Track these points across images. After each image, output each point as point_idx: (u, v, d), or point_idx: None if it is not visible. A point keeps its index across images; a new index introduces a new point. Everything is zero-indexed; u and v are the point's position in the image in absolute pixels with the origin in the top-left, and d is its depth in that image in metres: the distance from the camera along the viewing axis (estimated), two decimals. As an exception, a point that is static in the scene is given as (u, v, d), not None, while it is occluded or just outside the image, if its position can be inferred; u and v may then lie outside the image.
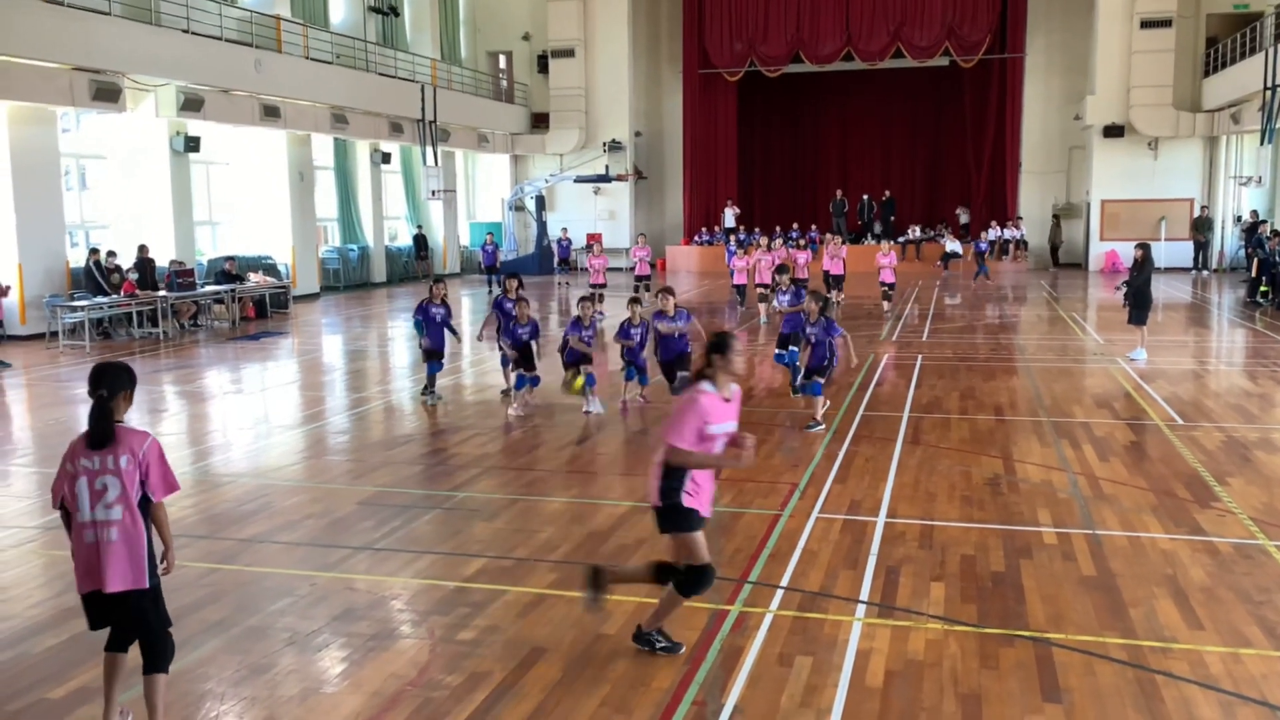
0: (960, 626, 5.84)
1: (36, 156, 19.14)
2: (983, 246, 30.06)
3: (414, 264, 32.62)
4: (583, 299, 12.18)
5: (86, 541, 4.51)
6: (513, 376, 12.17)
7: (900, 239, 33.52)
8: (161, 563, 4.69)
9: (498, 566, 6.91)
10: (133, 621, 4.62)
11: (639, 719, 4.86)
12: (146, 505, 4.58)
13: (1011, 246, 32.66)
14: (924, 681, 5.20)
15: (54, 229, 19.70)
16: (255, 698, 5.13)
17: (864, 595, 6.32)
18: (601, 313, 18.54)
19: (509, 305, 12.24)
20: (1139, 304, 15.00)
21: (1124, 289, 15.41)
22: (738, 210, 35.91)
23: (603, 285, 21.74)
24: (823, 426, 10.78)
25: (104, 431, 4.51)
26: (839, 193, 35.21)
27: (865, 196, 35.28)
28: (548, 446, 10.43)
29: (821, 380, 10.91)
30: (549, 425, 11.35)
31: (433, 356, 12.60)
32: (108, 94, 19.37)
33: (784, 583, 6.52)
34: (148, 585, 4.55)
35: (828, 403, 11.39)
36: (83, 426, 4.63)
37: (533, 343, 12.04)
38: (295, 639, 5.83)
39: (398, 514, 8.18)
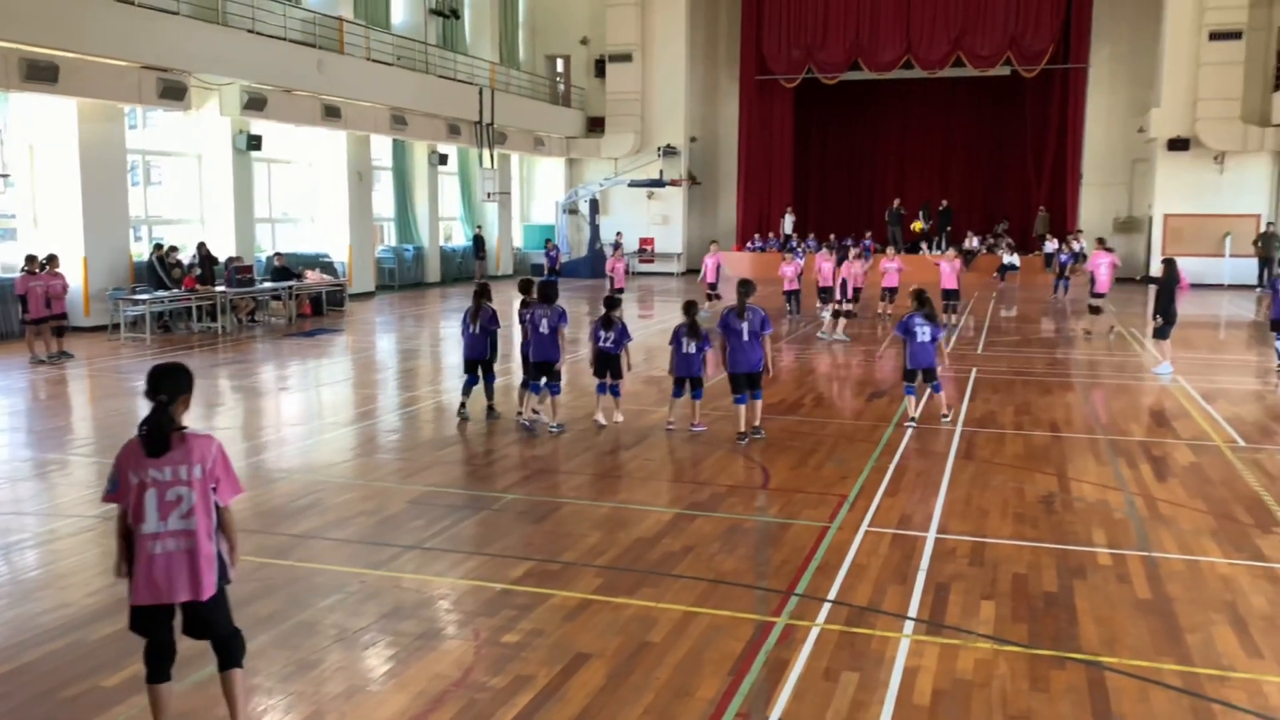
0: (1010, 647, 5.75)
1: (104, 152, 19.60)
2: (1066, 259, 28.34)
3: (474, 264, 32.76)
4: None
5: (153, 552, 4.35)
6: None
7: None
8: (232, 568, 4.63)
9: (544, 570, 6.92)
10: (203, 625, 4.53)
11: (682, 729, 4.84)
12: (214, 509, 4.50)
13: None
14: (972, 701, 5.12)
15: (119, 223, 20.14)
16: (302, 693, 5.19)
17: (913, 612, 6.24)
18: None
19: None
20: (1166, 319, 15.17)
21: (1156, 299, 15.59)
22: (795, 218, 35.71)
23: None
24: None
25: (164, 439, 4.36)
26: (896, 201, 34.87)
27: (926, 203, 34.76)
28: (595, 451, 10.44)
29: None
30: (593, 431, 11.36)
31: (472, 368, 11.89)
32: (174, 92, 19.77)
33: (831, 596, 6.46)
34: (217, 590, 4.49)
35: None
36: (143, 418, 4.55)
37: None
38: (344, 636, 5.89)
39: (447, 514, 8.23)
